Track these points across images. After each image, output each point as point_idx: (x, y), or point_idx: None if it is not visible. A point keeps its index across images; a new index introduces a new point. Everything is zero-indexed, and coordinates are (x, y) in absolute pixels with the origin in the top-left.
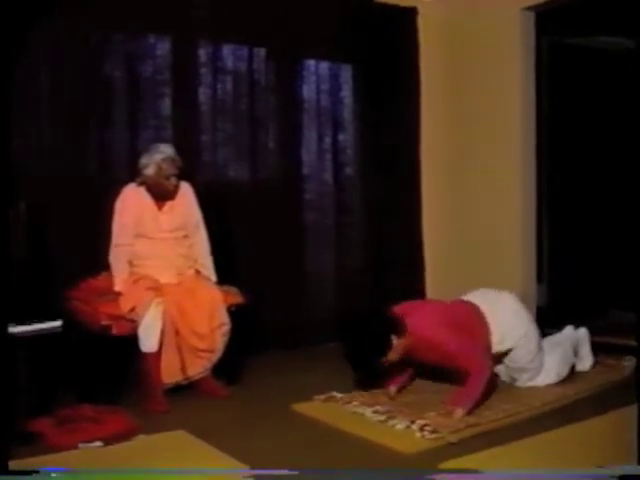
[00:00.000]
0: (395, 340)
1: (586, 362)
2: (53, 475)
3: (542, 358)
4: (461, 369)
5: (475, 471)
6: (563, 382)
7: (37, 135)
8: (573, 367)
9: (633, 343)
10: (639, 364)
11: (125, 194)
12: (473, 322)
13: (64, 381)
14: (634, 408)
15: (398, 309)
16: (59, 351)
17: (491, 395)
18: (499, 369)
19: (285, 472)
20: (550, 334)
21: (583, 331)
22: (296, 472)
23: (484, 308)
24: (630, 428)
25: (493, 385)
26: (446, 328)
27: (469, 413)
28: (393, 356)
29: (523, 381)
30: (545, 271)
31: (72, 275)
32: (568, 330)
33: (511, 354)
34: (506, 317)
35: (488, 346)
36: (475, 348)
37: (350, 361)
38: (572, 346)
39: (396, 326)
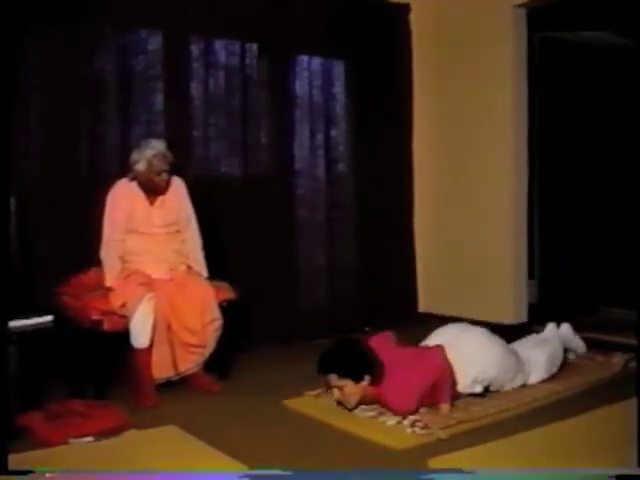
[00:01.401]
0: (366, 381)
1: (580, 350)
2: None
3: (524, 369)
4: None
5: (470, 472)
6: (553, 378)
7: (27, 130)
8: (564, 361)
9: (624, 340)
10: None
11: (116, 189)
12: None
13: (54, 376)
14: (624, 404)
15: (377, 350)
16: (49, 346)
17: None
18: None
19: (277, 473)
20: (538, 331)
21: (565, 327)
22: (290, 473)
23: (451, 355)
24: (619, 424)
25: (451, 371)
26: (414, 389)
27: (452, 405)
28: (351, 390)
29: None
30: (537, 267)
31: (63, 270)
32: (551, 329)
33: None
34: (475, 361)
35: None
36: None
37: (322, 360)
38: (561, 342)
39: (376, 372)
